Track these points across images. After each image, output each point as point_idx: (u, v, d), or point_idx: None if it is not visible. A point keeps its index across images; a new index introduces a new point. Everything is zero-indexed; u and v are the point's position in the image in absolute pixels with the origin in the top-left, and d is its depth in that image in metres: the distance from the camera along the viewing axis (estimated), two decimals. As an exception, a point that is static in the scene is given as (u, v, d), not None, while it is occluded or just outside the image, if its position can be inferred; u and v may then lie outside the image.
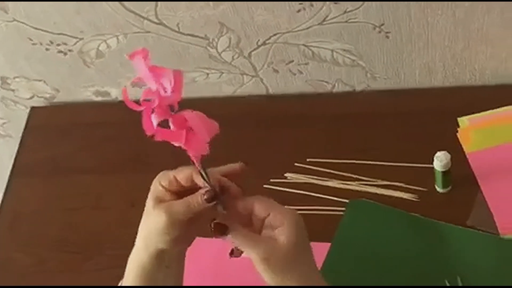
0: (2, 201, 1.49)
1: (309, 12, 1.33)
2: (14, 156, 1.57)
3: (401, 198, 1.33)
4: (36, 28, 1.44)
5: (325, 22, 1.35)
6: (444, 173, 1.27)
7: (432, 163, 1.26)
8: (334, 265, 1.26)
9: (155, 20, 1.38)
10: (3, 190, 1.51)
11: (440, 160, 1.24)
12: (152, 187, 0.91)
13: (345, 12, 1.32)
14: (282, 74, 1.52)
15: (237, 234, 0.87)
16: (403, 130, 1.43)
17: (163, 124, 0.79)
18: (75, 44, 1.47)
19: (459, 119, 1.42)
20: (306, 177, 1.39)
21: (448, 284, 1.21)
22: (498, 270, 1.22)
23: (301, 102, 1.56)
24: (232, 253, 0.91)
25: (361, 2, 1.30)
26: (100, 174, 1.50)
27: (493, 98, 1.44)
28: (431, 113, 1.44)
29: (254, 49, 1.45)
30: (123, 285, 0.96)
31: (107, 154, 1.53)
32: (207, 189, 0.87)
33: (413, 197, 1.33)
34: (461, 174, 1.32)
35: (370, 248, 1.28)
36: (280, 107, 1.56)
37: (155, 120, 0.79)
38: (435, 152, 1.25)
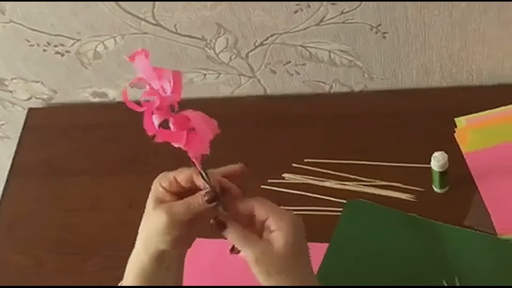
0: (0, 202, 1.50)
1: (306, 13, 1.33)
2: (12, 157, 1.57)
3: (399, 198, 1.33)
4: (33, 30, 1.44)
5: (322, 23, 1.35)
6: (442, 173, 1.27)
7: (429, 163, 1.26)
8: (332, 265, 1.26)
9: (153, 21, 1.38)
10: (1, 192, 1.51)
11: (438, 160, 1.24)
12: (152, 188, 0.92)
13: (342, 13, 1.32)
14: (280, 75, 1.52)
15: (234, 231, 0.88)
16: (401, 130, 1.43)
17: (163, 124, 0.79)
18: (72, 45, 1.47)
19: (456, 119, 1.42)
20: (304, 178, 1.39)
21: (446, 284, 1.21)
22: (496, 270, 1.22)
23: (298, 102, 1.56)
24: (232, 250, 0.91)
25: (358, 3, 1.30)
26: (98, 175, 1.51)
27: (490, 98, 1.44)
28: (429, 114, 1.45)
29: (252, 50, 1.45)
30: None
31: (105, 155, 1.53)
32: (207, 190, 0.87)
33: (410, 197, 1.33)
34: (459, 174, 1.33)
35: (367, 249, 1.28)
36: (277, 107, 1.56)
37: (156, 120, 0.79)
38: (433, 152, 1.25)
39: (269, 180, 1.40)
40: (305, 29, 1.37)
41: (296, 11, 1.33)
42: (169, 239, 0.89)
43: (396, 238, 1.28)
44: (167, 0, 1.32)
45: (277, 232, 0.87)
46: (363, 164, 1.39)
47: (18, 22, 1.42)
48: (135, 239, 0.93)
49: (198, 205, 0.87)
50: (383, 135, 1.43)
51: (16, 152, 1.58)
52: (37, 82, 1.61)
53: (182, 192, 0.90)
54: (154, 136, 0.79)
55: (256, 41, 1.42)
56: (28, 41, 1.47)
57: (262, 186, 1.39)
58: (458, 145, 1.38)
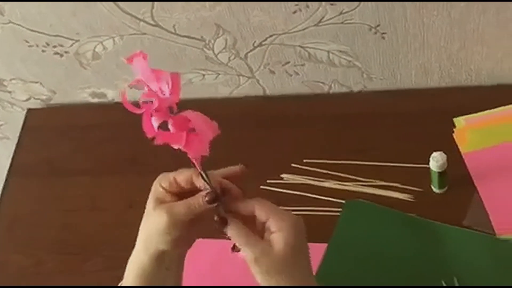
0: (0, 202, 1.49)
1: (305, 13, 1.33)
2: (11, 157, 1.57)
3: (398, 199, 1.33)
4: (32, 30, 1.44)
5: (321, 23, 1.35)
6: (440, 173, 1.27)
7: (428, 164, 1.26)
8: (331, 265, 1.26)
9: (151, 22, 1.38)
10: (0, 192, 1.51)
11: (436, 161, 1.24)
12: (152, 189, 0.92)
13: (341, 13, 1.32)
14: (279, 75, 1.52)
15: (235, 228, 0.88)
16: (399, 130, 1.43)
17: (162, 126, 0.80)
18: (71, 46, 1.47)
19: (455, 119, 1.42)
20: (303, 178, 1.39)
21: (444, 285, 1.21)
22: (495, 270, 1.22)
23: (297, 103, 1.56)
24: (233, 248, 0.91)
25: (356, 3, 1.30)
26: (97, 175, 1.51)
27: (489, 98, 1.44)
28: (427, 114, 1.45)
29: (250, 51, 1.45)
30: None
31: (104, 155, 1.53)
32: (208, 190, 0.87)
33: (409, 198, 1.33)
34: (457, 174, 1.33)
35: (366, 249, 1.28)
36: (276, 108, 1.56)
37: (155, 122, 0.79)
38: (431, 153, 1.25)
39: (268, 181, 1.40)
40: (304, 29, 1.37)
41: (295, 12, 1.33)
42: (169, 240, 0.89)
43: (395, 238, 1.28)
44: (166, 0, 1.32)
45: (277, 233, 0.87)
46: (362, 164, 1.39)
47: (17, 23, 1.42)
48: (135, 239, 0.93)
49: (199, 206, 0.87)
50: (382, 136, 1.43)
51: (15, 152, 1.58)
52: (36, 82, 1.61)
53: (182, 193, 0.90)
54: (153, 138, 0.79)
55: (255, 41, 1.42)
56: (27, 41, 1.47)
57: (261, 187, 1.39)
58: (457, 145, 1.38)
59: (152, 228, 0.89)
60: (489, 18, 1.32)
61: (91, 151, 1.55)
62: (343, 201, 1.34)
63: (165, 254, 0.91)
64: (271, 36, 1.40)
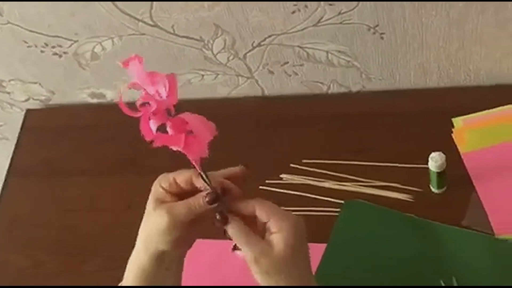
0: (-1, 203, 1.50)
1: (303, 14, 1.33)
2: (10, 158, 1.57)
3: (396, 199, 1.33)
4: (31, 31, 1.44)
5: (319, 24, 1.35)
6: (439, 173, 1.27)
7: (427, 164, 1.27)
8: (330, 266, 1.26)
9: (150, 22, 1.38)
10: (-1, 192, 1.52)
11: (435, 161, 1.25)
12: (152, 189, 0.92)
13: (339, 13, 1.32)
14: (277, 75, 1.52)
15: (235, 227, 0.88)
16: (398, 130, 1.43)
17: (160, 128, 0.80)
18: (70, 46, 1.47)
19: (453, 119, 1.42)
20: (302, 178, 1.39)
21: (443, 285, 1.21)
22: (494, 270, 1.22)
23: (296, 103, 1.56)
24: (234, 248, 0.91)
25: (355, 4, 1.30)
26: (96, 176, 1.51)
27: (488, 98, 1.44)
28: (426, 114, 1.45)
29: (249, 51, 1.45)
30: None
31: (103, 156, 1.53)
32: (208, 191, 0.88)
33: (408, 198, 1.33)
34: (456, 174, 1.33)
35: (365, 249, 1.28)
36: (275, 108, 1.56)
37: (154, 125, 0.79)
38: (430, 153, 1.25)
39: (267, 181, 1.40)
40: (302, 29, 1.37)
41: (293, 12, 1.33)
42: (170, 240, 0.89)
43: (394, 238, 1.28)
44: (165, 0, 1.32)
45: (278, 234, 0.87)
46: (361, 164, 1.39)
47: (16, 24, 1.42)
48: (134, 240, 0.93)
49: (199, 206, 0.88)
50: (380, 136, 1.43)
51: (14, 153, 1.58)
52: (35, 83, 1.61)
53: (182, 193, 0.91)
54: (152, 141, 0.79)
55: (253, 41, 1.42)
56: (25, 42, 1.47)
57: (261, 187, 1.39)
58: (455, 146, 1.38)
59: (152, 228, 0.89)
60: (487, 18, 1.32)
61: (90, 151, 1.55)
62: (342, 201, 1.34)
63: (165, 255, 0.91)
64: (270, 36, 1.40)
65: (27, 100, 1.67)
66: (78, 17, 1.39)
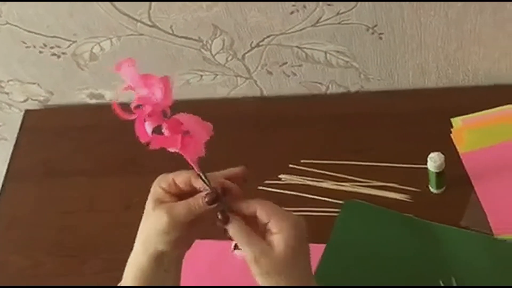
0: (-3, 203, 1.50)
1: (302, 14, 1.33)
2: (8, 159, 1.57)
3: (395, 199, 1.33)
4: (29, 31, 1.44)
5: (318, 24, 1.35)
6: (438, 174, 1.27)
7: (425, 164, 1.27)
8: (329, 266, 1.26)
9: (149, 23, 1.38)
10: (-3, 193, 1.52)
11: (434, 161, 1.25)
12: (152, 190, 0.92)
13: (338, 13, 1.32)
14: (276, 76, 1.52)
15: (236, 227, 0.88)
16: (397, 131, 1.43)
17: (156, 130, 0.80)
18: (68, 46, 1.47)
19: (452, 119, 1.42)
20: (301, 179, 1.39)
21: (442, 285, 1.21)
22: (493, 270, 1.22)
23: (295, 103, 1.56)
24: (236, 247, 0.90)
25: (354, 4, 1.30)
26: (95, 176, 1.50)
27: (486, 98, 1.44)
28: (425, 114, 1.45)
29: (248, 51, 1.45)
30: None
31: (101, 156, 1.53)
32: (207, 191, 0.87)
33: (407, 198, 1.33)
34: (455, 174, 1.33)
35: (364, 249, 1.28)
36: (274, 108, 1.56)
37: (149, 127, 0.79)
38: (429, 153, 1.25)
39: (266, 181, 1.40)
40: (301, 30, 1.37)
41: (292, 12, 1.33)
42: (169, 240, 0.89)
43: (392, 238, 1.28)
44: (163, 0, 1.32)
45: (278, 234, 0.87)
46: (360, 164, 1.39)
47: (14, 24, 1.42)
48: (133, 240, 0.93)
49: (199, 207, 0.88)
50: (379, 136, 1.44)
51: (12, 153, 1.58)
52: (34, 83, 1.61)
53: (182, 194, 0.90)
54: (148, 143, 0.79)
55: (252, 42, 1.42)
56: (24, 42, 1.47)
57: (259, 187, 1.39)
58: (454, 146, 1.39)
59: (151, 228, 0.89)
60: (486, 18, 1.32)
61: (89, 152, 1.55)
62: (341, 202, 1.34)
63: (164, 255, 0.91)
64: (268, 36, 1.40)
65: (25, 100, 1.67)
66: (76, 18, 1.39)
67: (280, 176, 1.41)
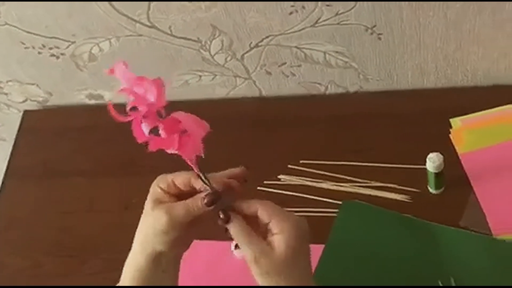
0: (-4, 204, 1.50)
1: (301, 15, 1.33)
2: (7, 159, 1.57)
3: (394, 199, 1.33)
4: (28, 32, 1.44)
5: (317, 24, 1.35)
6: (437, 174, 1.27)
7: (424, 164, 1.27)
8: (328, 266, 1.26)
9: (147, 23, 1.38)
10: (-4, 193, 1.52)
11: (433, 161, 1.24)
12: (151, 190, 0.92)
13: (337, 14, 1.32)
14: (275, 76, 1.52)
15: (237, 226, 0.88)
16: (396, 131, 1.43)
17: (153, 133, 0.80)
18: (67, 47, 1.47)
19: (451, 120, 1.42)
20: (300, 179, 1.39)
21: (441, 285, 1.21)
22: (491, 271, 1.22)
23: (294, 104, 1.56)
24: (236, 247, 0.90)
25: (353, 4, 1.30)
26: (94, 177, 1.50)
27: (485, 98, 1.44)
28: (424, 114, 1.45)
29: (247, 52, 1.45)
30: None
31: (100, 157, 1.53)
32: (207, 192, 0.87)
33: (406, 198, 1.33)
34: (454, 175, 1.33)
35: (363, 250, 1.28)
36: (273, 109, 1.56)
37: (146, 128, 0.79)
38: (428, 153, 1.25)
39: (265, 182, 1.40)
40: (300, 30, 1.37)
41: (291, 13, 1.33)
42: (167, 240, 0.89)
43: (391, 239, 1.28)
44: (162, 0, 1.32)
45: (279, 235, 0.87)
46: (359, 165, 1.39)
47: (13, 25, 1.42)
48: (132, 241, 0.93)
49: (198, 208, 0.87)
50: (378, 136, 1.44)
51: (11, 154, 1.58)
52: (33, 84, 1.61)
53: (181, 194, 0.90)
54: (147, 144, 0.79)
55: (251, 42, 1.42)
56: (23, 43, 1.47)
57: (258, 188, 1.39)
58: (453, 146, 1.39)
59: (150, 228, 0.89)
60: (484, 19, 1.32)
61: (88, 152, 1.55)
62: (340, 202, 1.34)
63: (162, 255, 0.91)
64: (267, 37, 1.40)
65: (24, 101, 1.67)
66: (75, 18, 1.39)
67: (279, 177, 1.41)
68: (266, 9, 1.33)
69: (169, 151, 0.82)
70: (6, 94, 1.65)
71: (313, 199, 1.36)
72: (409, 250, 1.26)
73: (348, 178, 1.38)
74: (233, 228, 0.88)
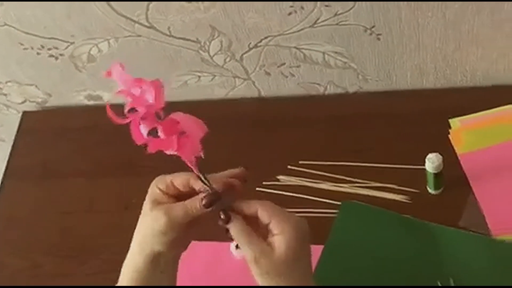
0: (-5, 205, 1.50)
1: (300, 15, 1.33)
2: (6, 160, 1.57)
3: (393, 200, 1.33)
4: (27, 33, 1.44)
5: (316, 25, 1.35)
6: (436, 174, 1.27)
7: (423, 165, 1.27)
8: (327, 267, 1.26)
9: (146, 24, 1.38)
10: (-5, 194, 1.52)
11: (432, 162, 1.24)
12: (149, 190, 0.92)
13: (336, 14, 1.32)
14: (274, 77, 1.52)
15: (237, 226, 0.88)
16: (395, 131, 1.43)
17: (152, 133, 0.80)
18: (66, 48, 1.47)
19: (450, 120, 1.42)
20: (299, 180, 1.39)
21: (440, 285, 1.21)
22: (491, 271, 1.22)
23: (293, 104, 1.56)
24: (237, 247, 0.90)
25: (351, 5, 1.30)
26: (93, 177, 1.50)
27: (485, 99, 1.44)
28: (423, 115, 1.45)
29: (246, 52, 1.45)
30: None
31: (99, 157, 1.53)
32: (205, 194, 0.87)
33: (405, 199, 1.33)
34: (453, 175, 1.33)
35: (362, 250, 1.28)
36: (272, 109, 1.56)
37: (144, 129, 0.79)
38: (427, 154, 1.25)
39: (264, 182, 1.40)
40: (299, 31, 1.37)
41: (290, 13, 1.33)
42: (166, 240, 0.89)
43: (391, 239, 1.28)
44: (161, 0, 1.32)
45: (279, 236, 0.86)
46: (358, 165, 1.39)
47: (12, 25, 1.42)
48: (131, 242, 0.93)
49: (196, 209, 0.87)
50: (377, 137, 1.44)
51: (10, 155, 1.58)
52: (31, 85, 1.61)
53: (180, 194, 0.90)
54: (146, 145, 0.79)
55: (250, 43, 1.42)
56: (22, 44, 1.47)
57: (257, 188, 1.39)
58: (452, 147, 1.38)
59: (148, 228, 0.89)
60: (483, 19, 1.32)
61: (87, 153, 1.55)
62: (339, 203, 1.34)
63: (161, 256, 0.91)
64: (266, 37, 1.40)
65: (23, 102, 1.67)
66: (74, 19, 1.39)
67: (278, 177, 1.41)
68: (265, 10, 1.33)
69: (168, 153, 0.82)
70: (5, 95, 1.65)
71: (312, 199, 1.36)
72: (408, 250, 1.26)
73: (347, 178, 1.38)
74: (234, 228, 0.88)
